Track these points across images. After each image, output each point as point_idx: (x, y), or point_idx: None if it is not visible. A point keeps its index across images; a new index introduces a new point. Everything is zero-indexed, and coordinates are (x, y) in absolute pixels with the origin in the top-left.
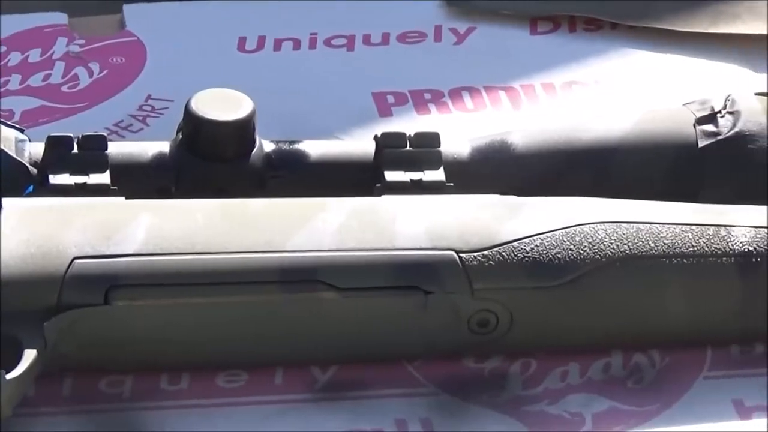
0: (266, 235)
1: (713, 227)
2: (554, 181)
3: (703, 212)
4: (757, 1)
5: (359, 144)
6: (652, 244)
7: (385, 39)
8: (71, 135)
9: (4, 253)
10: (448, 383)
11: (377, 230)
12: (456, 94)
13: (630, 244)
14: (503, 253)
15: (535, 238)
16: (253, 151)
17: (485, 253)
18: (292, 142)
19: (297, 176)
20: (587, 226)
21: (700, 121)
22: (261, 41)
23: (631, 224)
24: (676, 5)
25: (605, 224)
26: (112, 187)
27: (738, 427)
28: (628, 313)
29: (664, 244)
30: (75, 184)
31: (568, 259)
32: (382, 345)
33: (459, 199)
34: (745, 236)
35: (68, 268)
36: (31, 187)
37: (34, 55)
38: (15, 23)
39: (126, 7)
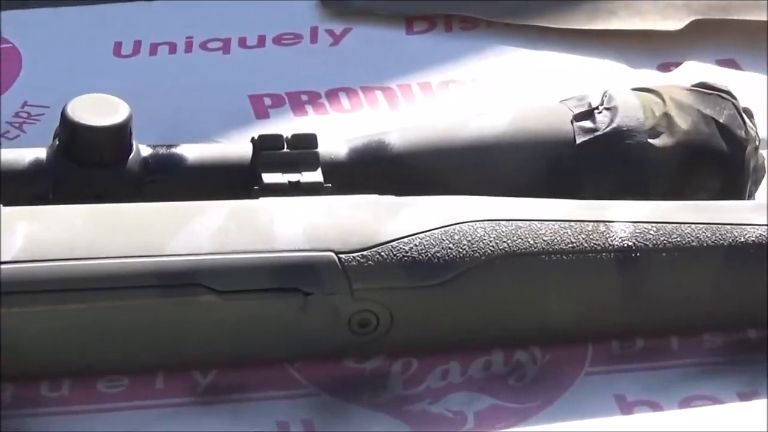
0: (144, 240)
1: (592, 223)
2: (432, 180)
3: (582, 208)
4: None
5: (236, 147)
6: (532, 242)
7: (261, 41)
8: None
9: None
10: (330, 384)
11: (255, 232)
12: (333, 95)
13: (509, 241)
14: (382, 253)
15: (414, 237)
16: (130, 156)
17: (364, 253)
18: (169, 146)
19: (174, 180)
20: (466, 224)
21: (578, 117)
22: (137, 46)
23: (510, 222)
24: (552, 3)
25: (484, 222)
26: None
27: (620, 422)
28: (509, 311)
29: (544, 241)
30: None
31: (447, 257)
32: (262, 347)
33: (337, 199)
34: (624, 231)
35: None
36: None
37: None
38: None
39: (1, 14)
